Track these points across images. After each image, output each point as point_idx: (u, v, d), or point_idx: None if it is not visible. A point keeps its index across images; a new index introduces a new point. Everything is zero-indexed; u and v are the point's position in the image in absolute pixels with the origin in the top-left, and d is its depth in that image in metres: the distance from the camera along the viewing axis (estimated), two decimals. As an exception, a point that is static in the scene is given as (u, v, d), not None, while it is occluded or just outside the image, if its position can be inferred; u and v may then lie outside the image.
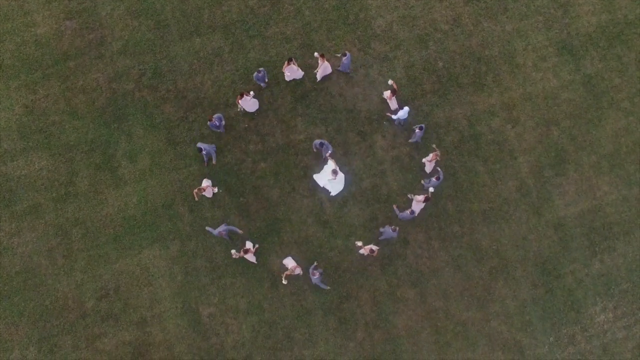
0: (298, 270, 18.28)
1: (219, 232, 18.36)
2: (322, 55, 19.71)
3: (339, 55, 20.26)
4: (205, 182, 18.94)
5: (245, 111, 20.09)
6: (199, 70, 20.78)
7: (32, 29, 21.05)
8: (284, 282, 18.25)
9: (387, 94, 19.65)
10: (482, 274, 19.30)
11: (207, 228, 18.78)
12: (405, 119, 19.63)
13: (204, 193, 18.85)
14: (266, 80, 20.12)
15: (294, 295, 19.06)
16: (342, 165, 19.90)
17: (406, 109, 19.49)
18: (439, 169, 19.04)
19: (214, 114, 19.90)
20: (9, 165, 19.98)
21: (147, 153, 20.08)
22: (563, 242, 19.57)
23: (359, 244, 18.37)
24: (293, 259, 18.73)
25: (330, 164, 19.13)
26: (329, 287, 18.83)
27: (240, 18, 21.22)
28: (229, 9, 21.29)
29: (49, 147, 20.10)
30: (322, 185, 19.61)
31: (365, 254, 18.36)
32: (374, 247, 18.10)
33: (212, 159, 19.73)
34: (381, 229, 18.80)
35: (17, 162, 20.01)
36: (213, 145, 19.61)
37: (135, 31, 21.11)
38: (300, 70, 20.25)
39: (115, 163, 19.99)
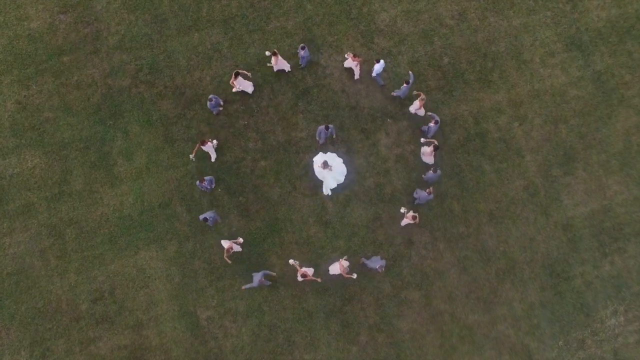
0: (237, 248, 18.11)
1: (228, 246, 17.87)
2: (274, 53, 19.05)
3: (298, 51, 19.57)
4: (225, 243, 18.08)
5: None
6: (197, 66, 20.26)
7: (25, 23, 20.49)
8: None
9: (351, 61, 19.38)
10: (489, 276, 18.85)
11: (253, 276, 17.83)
12: (379, 73, 19.36)
13: (232, 251, 17.97)
14: (221, 104, 19.31)
15: (295, 298, 18.56)
16: (346, 164, 19.38)
17: (382, 62, 19.10)
18: (431, 114, 18.83)
19: (205, 176, 18.93)
20: (0, 163, 19.45)
21: (143, 151, 19.57)
22: (572, 243, 19.10)
23: (403, 210, 18.10)
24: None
25: (323, 155, 18.67)
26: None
27: (239, 12, 20.70)
28: (228, 2, 20.76)
29: (43, 145, 19.57)
30: (319, 176, 19.13)
31: (409, 221, 18.01)
32: (415, 214, 17.92)
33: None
34: (415, 194, 18.44)
35: (10, 160, 19.47)
36: (213, 211, 18.31)
37: (131, 25, 20.56)
38: (248, 81, 19.48)
39: (110, 161, 19.49)
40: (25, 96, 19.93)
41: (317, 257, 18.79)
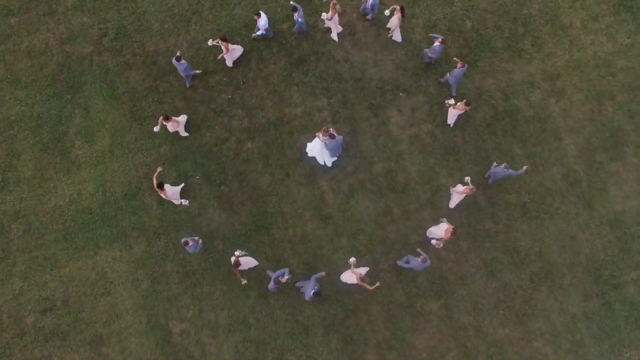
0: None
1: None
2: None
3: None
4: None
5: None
6: (172, 30, 18.04)
7: (-37, -24, 18.20)
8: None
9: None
10: (522, 282, 16.58)
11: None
12: (267, 28, 17.02)
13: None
14: (197, 239, 15.39)
15: (288, 308, 16.16)
16: (350, 147, 17.04)
17: (262, 15, 16.60)
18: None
19: (278, 269, 15.81)
20: None
21: (106, 130, 17.36)
22: (621, 242, 16.80)
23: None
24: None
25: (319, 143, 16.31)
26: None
27: (223, -34, 18.35)
28: (209, -46, 18.40)
29: (-15, 123, 17.32)
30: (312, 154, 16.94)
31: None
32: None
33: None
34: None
35: (-55, 141, 17.17)
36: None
37: (94, -18, 18.35)
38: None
39: (67, 143, 17.28)
40: (-36, 64, 17.63)
41: (315, 259, 16.33)
